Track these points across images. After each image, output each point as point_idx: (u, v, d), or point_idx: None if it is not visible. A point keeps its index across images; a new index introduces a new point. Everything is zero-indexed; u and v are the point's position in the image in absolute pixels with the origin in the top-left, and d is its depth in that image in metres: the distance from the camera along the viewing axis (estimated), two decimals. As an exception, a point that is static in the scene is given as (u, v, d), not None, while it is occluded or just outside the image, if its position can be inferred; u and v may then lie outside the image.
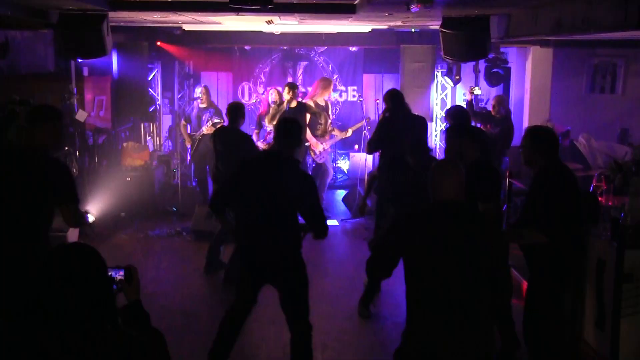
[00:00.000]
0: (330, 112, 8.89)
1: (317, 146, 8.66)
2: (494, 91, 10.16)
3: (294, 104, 8.40)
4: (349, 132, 9.13)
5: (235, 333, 4.33)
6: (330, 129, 8.82)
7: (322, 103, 8.73)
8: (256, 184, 4.05)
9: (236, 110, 6.48)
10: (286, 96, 8.50)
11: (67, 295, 1.98)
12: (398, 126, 6.16)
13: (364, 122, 9.14)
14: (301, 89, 11.61)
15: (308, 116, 8.49)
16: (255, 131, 8.80)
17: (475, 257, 2.96)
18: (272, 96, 8.72)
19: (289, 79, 11.51)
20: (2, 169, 3.64)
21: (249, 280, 4.22)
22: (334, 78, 11.49)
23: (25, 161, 3.64)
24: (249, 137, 6.67)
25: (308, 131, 8.55)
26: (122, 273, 2.44)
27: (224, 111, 10.36)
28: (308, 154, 9.03)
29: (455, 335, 2.93)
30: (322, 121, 8.67)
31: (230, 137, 6.44)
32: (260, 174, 4.08)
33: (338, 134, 9.01)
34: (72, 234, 7.19)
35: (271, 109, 8.64)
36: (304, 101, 8.69)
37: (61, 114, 3.98)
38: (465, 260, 2.96)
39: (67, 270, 2.01)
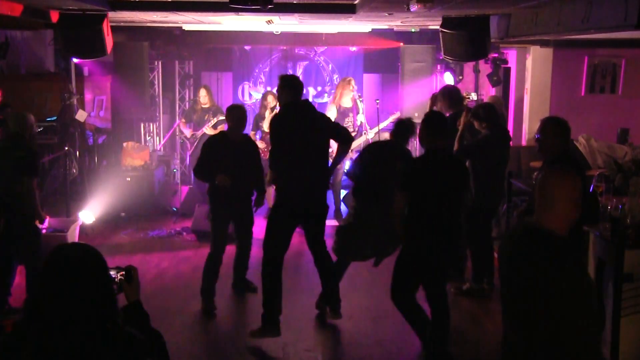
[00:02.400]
0: (361, 112, 8.21)
1: None
2: (495, 92, 10.15)
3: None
4: (377, 130, 8.48)
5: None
6: (354, 131, 8.21)
7: (348, 104, 8.22)
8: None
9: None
10: (272, 103, 8.34)
11: (69, 295, 1.97)
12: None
13: (398, 114, 8.87)
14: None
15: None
16: (252, 132, 8.76)
17: None
18: (272, 103, 8.64)
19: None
20: None
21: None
22: (334, 78, 11.49)
23: None
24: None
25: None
26: (122, 273, 2.45)
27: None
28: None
29: None
30: (349, 123, 8.20)
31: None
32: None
33: (363, 139, 8.30)
34: (72, 233, 7.20)
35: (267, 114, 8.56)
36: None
37: None
38: None
39: (69, 270, 2.00)
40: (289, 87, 5.11)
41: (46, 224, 6.12)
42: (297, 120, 4.99)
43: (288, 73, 11.55)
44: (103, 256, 2.11)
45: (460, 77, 9.13)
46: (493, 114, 6.07)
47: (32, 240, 5.46)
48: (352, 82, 8.21)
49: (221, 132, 6.25)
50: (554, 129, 4.45)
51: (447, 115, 6.71)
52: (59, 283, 1.99)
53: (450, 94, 6.64)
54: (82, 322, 1.97)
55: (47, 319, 1.97)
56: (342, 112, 8.22)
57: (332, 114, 8.16)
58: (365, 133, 8.24)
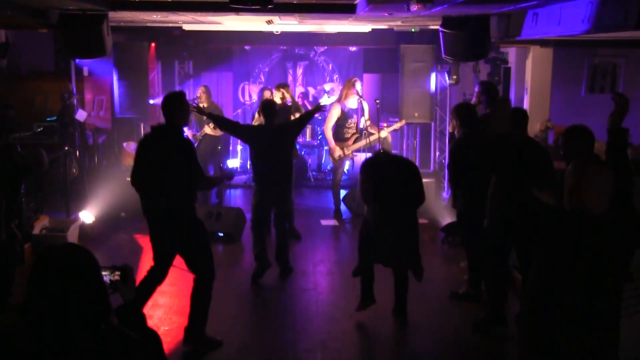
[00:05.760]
0: (366, 114, 8.17)
1: (335, 151, 8.22)
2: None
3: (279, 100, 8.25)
4: (383, 134, 8.59)
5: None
6: (356, 133, 8.30)
7: (353, 105, 8.19)
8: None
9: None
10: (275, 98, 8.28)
11: (59, 295, 1.96)
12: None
13: (402, 123, 8.84)
14: (301, 89, 11.64)
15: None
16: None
17: None
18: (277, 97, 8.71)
19: (289, 79, 11.53)
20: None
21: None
22: (334, 78, 11.50)
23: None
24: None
25: (329, 135, 8.32)
26: (117, 273, 2.43)
27: (224, 110, 10.39)
28: (328, 160, 8.88)
29: None
30: (352, 125, 8.26)
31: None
32: None
33: (363, 142, 8.28)
34: (72, 233, 7.20)
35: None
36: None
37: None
38: None
39: (57, 271, 1.99)
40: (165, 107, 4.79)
41: None
42: (159, 145, 4.76)
43: (288, 73, 11.61)
44: (93, 255, 2.08)
45: (455, 77, 9.10)
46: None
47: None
48: (357, 84, 8.16)
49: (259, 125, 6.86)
50: (590, 138, 4.22)
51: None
52: (47, 284, 1.97)
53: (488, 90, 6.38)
54: (73, 323, 1.96)
55: (40, 320, 1.96)
56: (346, 113, 8.20)
57: (335, 113, 8.15)
58: (366, 136, 8.20)
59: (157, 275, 4.90)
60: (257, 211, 6.37)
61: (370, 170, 5.30)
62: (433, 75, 9.11)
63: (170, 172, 4.70)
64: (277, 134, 6.34)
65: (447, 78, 9.07)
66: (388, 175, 5.23)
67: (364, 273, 5.41)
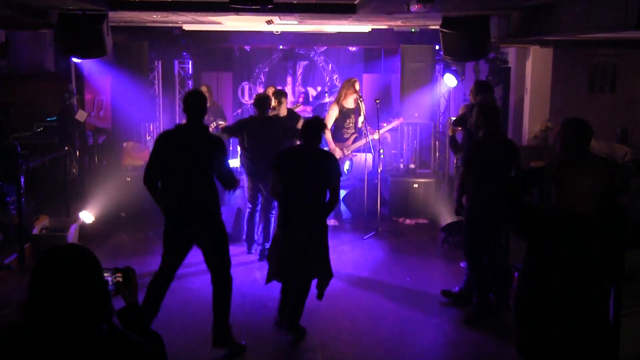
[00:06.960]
0: (362, 114, 8.16)
1: (336, 152, 8.16)
2: (495, 91, 10.13)
3: (283, 112, 7.70)
4: (377, 135, 8.36)
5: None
6: (355, 133, 8.28)
7: (351, 105, 8.17)
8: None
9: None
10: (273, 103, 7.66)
11: (62, 296, 1.96)
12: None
13: (400, 120, 8.87)
14: (300, 89, 11.64)
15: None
16: None
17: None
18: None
19: (289, 79, 11.52)
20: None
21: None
22: (334, 78, 11.50)
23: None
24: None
25: (329, 135, 8.30)
26: (119, 275, 2.43)
27: (224, 110, 10.38)
28: None
29: None
30: (350, 125, 8.23)
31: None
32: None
33: (363, 141, 8.30)
34: (72, 233, 7.20)
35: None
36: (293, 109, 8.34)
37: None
38: None
39: (61, 271, 1.98)
40: (187, 105, 4.82)
41: None
42: (181, 142, 4.81)
43: (288, 73, 11.60)
44: (96, 257, 2.08)
45: (463, 77, 9.11)
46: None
47: None
48: (357, 84, 8.15)
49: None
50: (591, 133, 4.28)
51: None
52: (50, 284, 1.97)
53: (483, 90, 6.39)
54: (75, 324, 1.96)
55: (41, 321, 1.96)
56: (345, 113, 8.18)
57: (334, 113, 8.14)
58: (366, 136, 8.21)
59: (166, 277, 4.89)
60: (249, 199, 7.19)
61: (283, 162, 4.98)
62: (433, 75, 9.11)
63: (201, 168, 4.78)
64: (266, 125, 6.90)
65: (454, 78, 9.03)
66: (303, 171, 4.89)
67: (282, 292, 5.31)
